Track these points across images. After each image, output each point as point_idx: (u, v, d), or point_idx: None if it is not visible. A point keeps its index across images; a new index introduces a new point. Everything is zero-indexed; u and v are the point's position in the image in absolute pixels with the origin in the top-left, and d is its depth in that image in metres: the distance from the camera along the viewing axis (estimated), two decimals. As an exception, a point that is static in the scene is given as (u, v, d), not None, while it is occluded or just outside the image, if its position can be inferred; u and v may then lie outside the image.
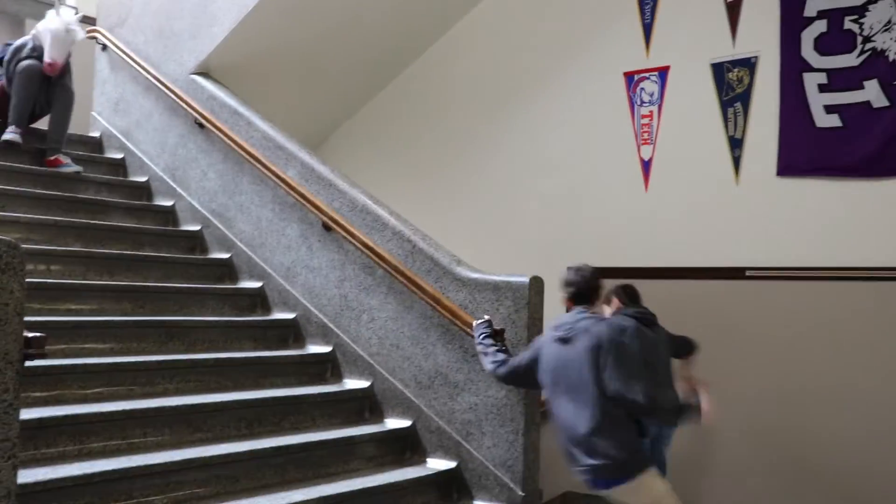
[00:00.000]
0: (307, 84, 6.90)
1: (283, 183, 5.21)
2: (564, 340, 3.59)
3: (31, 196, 5.44)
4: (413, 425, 4.52)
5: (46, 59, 5.91)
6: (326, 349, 4.98)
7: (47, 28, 5.96)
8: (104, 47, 6.82)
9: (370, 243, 4.70)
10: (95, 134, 6.87)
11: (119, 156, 6.56)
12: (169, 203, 6.12)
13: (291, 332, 5.15)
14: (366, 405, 4.71)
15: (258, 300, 5.37)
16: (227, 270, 5.59)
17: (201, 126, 5.89)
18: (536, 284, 4.17)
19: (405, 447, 4.50)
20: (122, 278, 5.04)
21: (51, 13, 6.07)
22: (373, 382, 4.74)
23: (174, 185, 6.14)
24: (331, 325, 5.00)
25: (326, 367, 4.94)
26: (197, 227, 5.88)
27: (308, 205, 5.06)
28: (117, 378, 4.09)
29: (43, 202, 5.45)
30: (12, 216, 5.07)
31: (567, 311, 3.80)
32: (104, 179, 6.18)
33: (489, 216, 6.69)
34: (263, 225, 5.47)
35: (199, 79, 6.08)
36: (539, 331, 4.18)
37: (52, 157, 5.87)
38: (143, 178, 6.36)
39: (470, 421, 4.30)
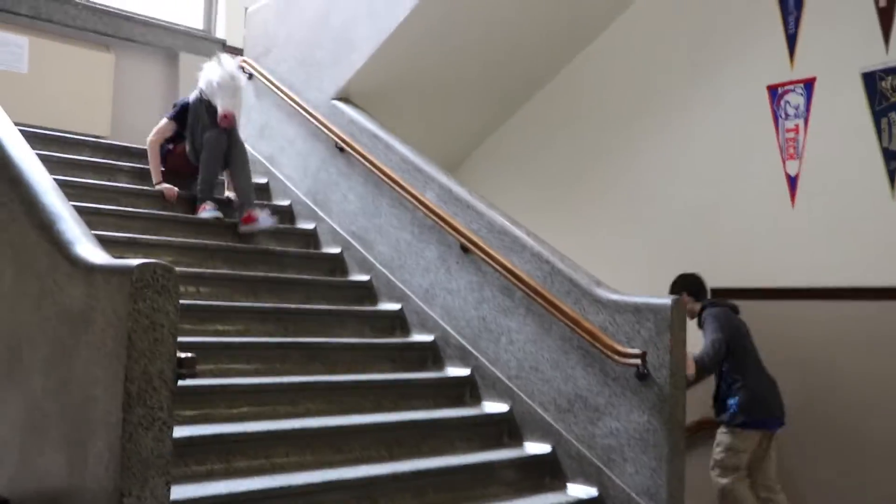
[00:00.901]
0: (444, 106, 6.91)
1: (421, 205, 5.21)
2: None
3: (182, 221, 5.59)
4: (553, 450, 4.41)
5: (221, 111, 5.69)
6: (465, 372, 4.93)
7: (211, 80, 5.75)
8: (250, 76, 6.98)
9: (508, 265, 4.65)
10: None
11: (263, 180, 6.70)
12: (311, 226, 6.19)
13: (430, 355, 5.13)
14: (505, 429, 4.63)
15: (397, 322, 5.36)
16: (367, 292, 5.61)
17: (342, 150, 5.96)
18: (679, 307, 4.02)
19: (545, 473, 4.40)
20: (267, 300, 5.12)
21: (211, 64, 5.86)
22: (512, 406, 4.66)
23: (315, 209, 6.22)
24: (469, 348, 4.95)
25: (465, 390, 4.88)
26: (337, 250, 5.93)
27: (446, 227, 5.03)
28: (262, 398, 4.13)
29: (192, 226, 5.60)
30: (165, 240, 5.22)
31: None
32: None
33: (626, 233, 6.53)
34: (402, 247, 5.48)
35: (340, 104, 6.16)
36: (682, 354, 4.03)
37: (247, 214, 5.71)
38: (286, 202, 6.46)
39: (611, 447, 4.17)
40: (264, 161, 6.80)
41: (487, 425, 4.59)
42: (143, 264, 2.52)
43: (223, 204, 5.86)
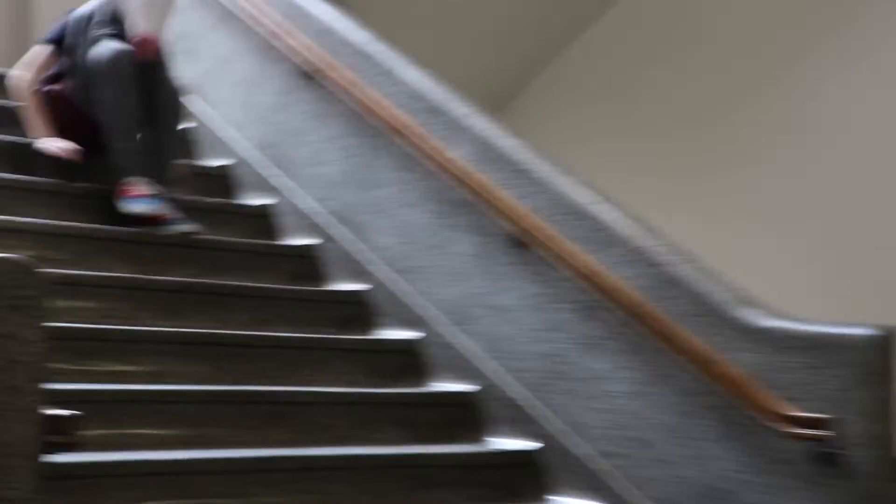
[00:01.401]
0: (480, 6, 6.88)
1: (446, 168, 5.21)
2: None
3: (52, 190, 5.62)
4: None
5: (137, 32, 5.58)
6: (524, 445, 4.91)
7: None
8: None
9: (593, 268, 4.63)
10: None
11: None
12: (261, 201, 6.22)
13: (464, 414, 5.12)
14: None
15: (408, 360, 5.35)
16: (359, 311, 5.61)
17: (311, 77, 5.95)
18: (888, 343, 3.97)
19: None
20: (192, 322, 5.12)
21: None
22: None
23: (270, 174, 6.26)
24: (529, 404, 4.95)
25: (523, 476, 4.85)
26: (307, 241, 5.96)
27: (488, 203, 5.03)
28: (189, 486, 4.11)
29: (65, 198, 5.62)
30: (24, 222, 5.22)
31: None
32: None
33: (793, 218, 6.58)
34: (416, 236, 5.49)
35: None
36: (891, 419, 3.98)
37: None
38: (218, 162, 6.49)
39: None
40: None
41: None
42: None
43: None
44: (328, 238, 5.88)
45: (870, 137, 6.32)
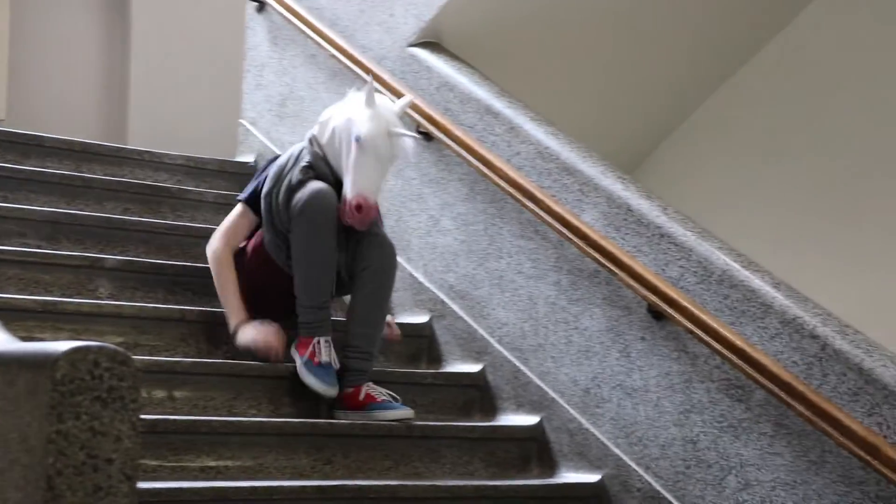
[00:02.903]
0: (607, 61, 6.98)
1: (575, 234, 5.19)
2: None
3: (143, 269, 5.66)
4: None
5: (351, 195, 5.05)
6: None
7: (344, 128, 5.17)
8: (261, 6, 7.08)
9: (739, 343, 4.57)
10: (247, 158, 7.10)
11: (288, 196, 6.69)
12: None
13: (594, 506, 5.11)
14: None
15: (533, 448, 5.34)
16: (477, 394, 5.60)
17: (427, 136, 5.95)
18: None
19: None
20: (290, 411, 5.11)
21: (357, 95, 5.33)
22: None
23: None
24: (667, 495, 4.87)
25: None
26: (422, 318, 5.94)
27: (622, 273, 4.99)
28: None
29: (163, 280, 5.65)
30: (117, 306, 5.22)
31: None
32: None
33: None
34: (540, 311, 5.46)
35: (422, 53, 6.21)
36: None
37: (355, 387, 5.17)
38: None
39: None
40: (288, 158, 6.83)
41: None
42: (74, 350, 2.54)
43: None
44: (442, 313, 5.88)
45: None
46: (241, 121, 7.22)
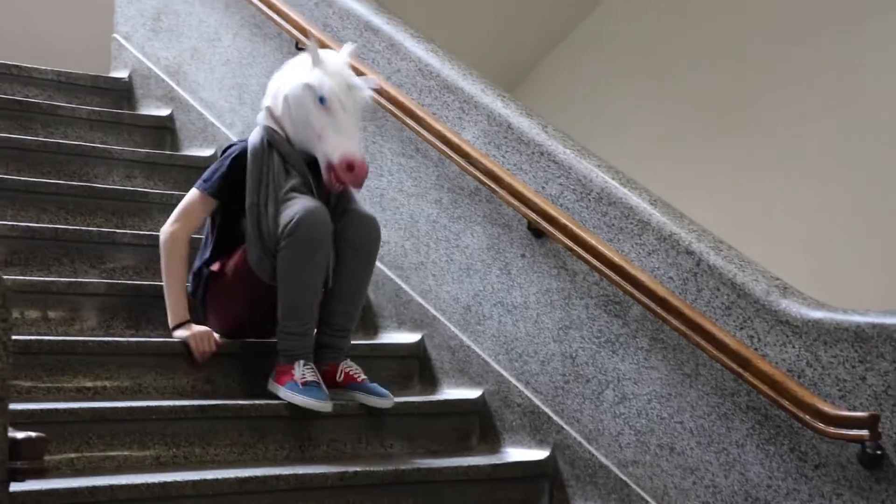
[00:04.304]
0: None
1: (456, 151, 5.21)
2: None
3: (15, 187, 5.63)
4: None
5: (339, 157, 4.88)
6: (540, 454, 4.93)
7: (301, 94, 4.91)
8: None
9: (616, 259, 4.66)
10: (121, 74, 7.07)
11: (163, 112, 6.75)
12: None
13: (475, 423, 5.18)
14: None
15: (414, 365, 5.41)
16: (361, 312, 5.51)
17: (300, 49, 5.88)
18: None
19: None
20: (167, 332, 5.00)
21: (300, 58, 5.13)
22: (629, 517, 4.67)
23: None
24: (546, 410, 4.97)
25: (542, 488, 4.89)
26: None
27: (503, 191, 5.03)
28: None
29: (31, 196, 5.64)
30: None
31: None
32: (141, 156, 6.34)
33: (838, 199, 6.56)
34: (421, 228, 5.51)
35: None
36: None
37: (331, 365, 4.99)
38: (207, 151, 6.48)
39: None
40: (163, 76, 6.87)
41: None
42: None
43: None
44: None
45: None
46: (114, 35, 7.12)
